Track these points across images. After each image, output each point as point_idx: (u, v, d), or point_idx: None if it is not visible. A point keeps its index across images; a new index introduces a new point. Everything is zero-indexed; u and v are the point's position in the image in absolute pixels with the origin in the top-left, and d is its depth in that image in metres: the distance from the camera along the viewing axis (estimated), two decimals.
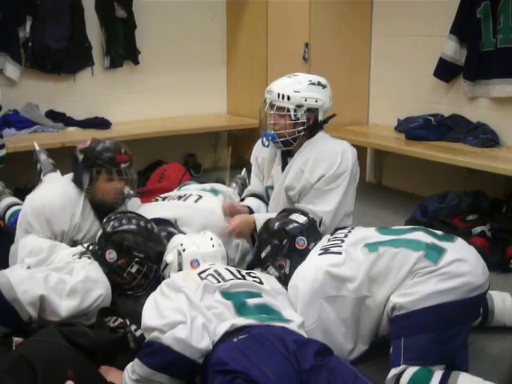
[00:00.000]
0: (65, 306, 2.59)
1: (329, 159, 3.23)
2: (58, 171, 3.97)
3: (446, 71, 4.74)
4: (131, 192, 3.38)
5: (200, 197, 3.55)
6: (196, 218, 3.34)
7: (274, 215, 3.11)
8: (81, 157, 3.28)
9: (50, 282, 2.61)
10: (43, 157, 4.10)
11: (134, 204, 3.51)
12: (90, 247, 2.99)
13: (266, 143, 3.36)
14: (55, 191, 3.30)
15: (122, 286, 2.92)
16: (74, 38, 5.15)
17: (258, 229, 3.12)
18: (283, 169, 3.40)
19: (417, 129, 4.76)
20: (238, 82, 6.05)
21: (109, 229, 2.95)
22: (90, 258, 2.90)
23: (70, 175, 3.39)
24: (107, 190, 3.26)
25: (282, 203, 3.36)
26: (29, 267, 2.84)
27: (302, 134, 3.28)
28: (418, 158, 4.52)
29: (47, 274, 2.67)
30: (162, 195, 3.76)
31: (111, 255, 2.89)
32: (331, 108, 3.35)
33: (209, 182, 4.08)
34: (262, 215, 3.28)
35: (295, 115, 3.23)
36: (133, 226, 2.95)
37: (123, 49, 5.47)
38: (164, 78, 5.75)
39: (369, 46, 5.38)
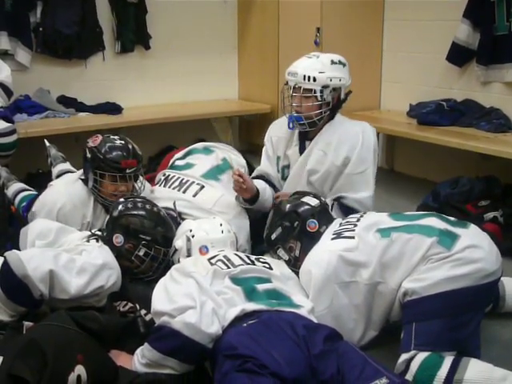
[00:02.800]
0: (74, 284, 2.60)
1: (351, 140, 3.27)
2: (68, 163, 4.03)
3: (458, 56, 4.70)
4: (138, 192, 3.35)
5: (202, 187, 3.48)
6: (191, 217, 3.28)
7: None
8: (89, 155, 3.28)
9: (61, 260, 2.63)
10: (53, 151, 4.14)
11: (146, 190, 3.48)
12: (98, 232, 3.00)
13: (292, 125, 3.35)
14: (64, 193, 3.29)
15: (132, 271, 2.94)
16: (84, 23, 5.14)
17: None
18: (301, 150, 3.41)
19: (429, 114, 4.73)
20: (249, 66, 6.02)
21: (115, 213, 2.97)
22: (97, 241, 2.92)
23: (81, 172, 3.40)
24: (112, 191, 3.25)
25: (301, 186, 3.36)
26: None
27: (327, 113, 3.30)
28: (430, 143, 4.49)
29: (58, 252, 2.69)
30: (166, 172, 3.69)
31: (118, 239, 2.91)
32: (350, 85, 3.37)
33: None
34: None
35: (321, 96, 3.24)
36: (139, 210, 2.98)
37: (134, 34, 5.45)
38: (175, 62, 5.72)
39: (381, 31, 5.34)
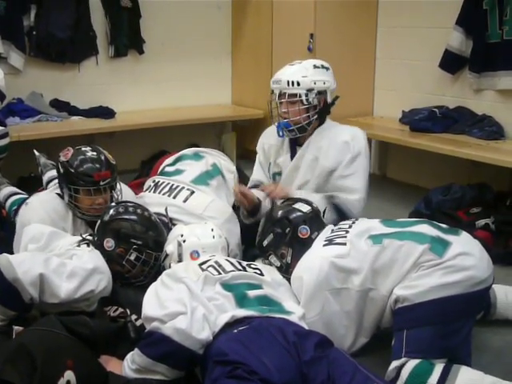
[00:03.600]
0: (64, 288, 2.59)
1: (341, 144, 3.28)
2: None
3: (451, 63, 4.72)
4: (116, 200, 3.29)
5: (192, 192, 3.45)
6: (182, 223, 3.26)
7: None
8: (61, 170, 3.23)
9: (51, 264, 2.61)
10: (43, 159, 4.13)
11: (128, 196, 3.42)
12: (89, 237, 2.99)
13: (281, 133, 3.35)
14: (40, 210, 3.22)
15: (123, 275, 2.93)
16: (78, 27, 5.15)
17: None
18: (292, 157, 3.42)
19: (422, 121, 4.75)
20: (242, 72, 6.03)
21: (106, 217, 2.96)
22: (88, 246, 2.91)
23: (57, 186, 3.35)
24: (88, 205, 3.18)
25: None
26: None
27: (315, 117, 3.31)
28: (423, 150, 4.51)
29: (48, 256, 2.68)
30: (155, 179, 3.65)
31: (109, 243, 2.90)
32: (336, 89, 3.37)
33: None
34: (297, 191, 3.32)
35: (307, 99, 3.24)
36: (130, 215, 2.98)
37: (128, 38, 5.46)
38: (168, 67, 5.73)
39: (374, 37, 5.36)
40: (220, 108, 6.01)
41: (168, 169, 3.76)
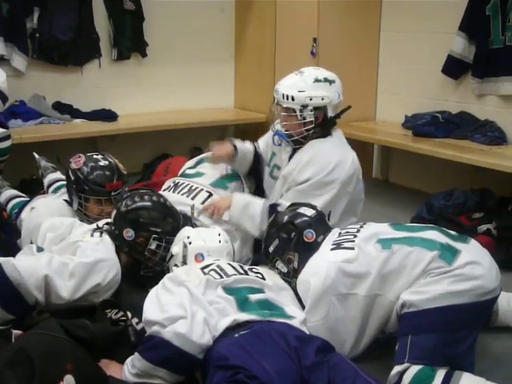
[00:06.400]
0: (65, 289, 2.57)
1: (319, 165, 3.21)
2: (58, 172, 4.01)
3: (454, 68, 4.72)
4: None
5: (210, 195, 3.49)
6: (198, 222, 3.31)
7: (251, 199, 3.28)
8: (72, 178, 3.23)
9: (53, 265, 2.59)
10: (43, 162, 4.14)
11: None
12: (105, 227, 2.98)
13: (279, 142, 3.37)
14: (49, 216, 3.21)
15: (146, 264, 2.93)
16: (81, 30, 5.14)
17: (232, 209, 3.22)
18: (290, 158, 3.41)
19: (424, 126, 4.75)
20: (245, 75, 6.03)
21: (123, 208, 2.95)
22: (101, 235, 2.88)
23: (64, 192, 3.37)
24: (97, 213, 3.20)
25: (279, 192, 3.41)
26: (40, 248, 2.82)
27: (311, 132, 3.27)
28: (425, 155, 4.51)
29: (51, 257, 2.65)
30: (176, 179, 3.70)
31: (129, 233, 2.89)
32: (342, 102, 3.32)
33: None
34: (240, 197, 3.34)
35: (301, 115, 3.22)
36: (146, 202, 2.97)
37: (131, 41, 5.46)
38: (171, 70, 5.72)
39: (377, 42, 5.35)
40: (222, 111, 6.00)
41: (189, 171, 3.80)
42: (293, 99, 3.20)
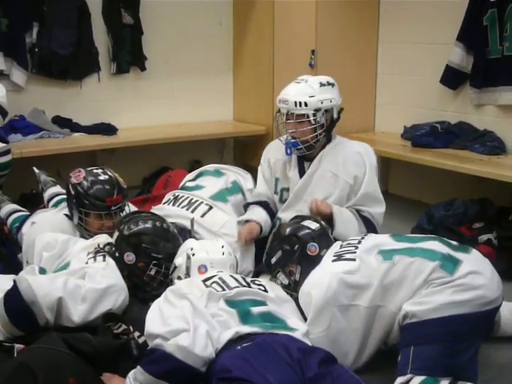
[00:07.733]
0: (77, 313, 2.57)
1: (356, 159, 3.35)
2: (58, 186, 4.03)
3: (452, 78, 4.72)
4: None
5: (210, 208, 3.50)
6: (198, 235, 3.31)
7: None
8: (72, 192, 3.23)
9: (68, 287, 2.59)
10: (43, 177, 4.16)
11: None
12: (106, 248, 2.97)
13: (289, 151, 3.37)
14: (50, 231, 3.20)
15: (144, 288, 2.93)
16: (80, 44, 5.15)
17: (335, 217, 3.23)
18: (300, 172, 3.43)
19: (423, 136, 4.74)
20: (244, 88, 6.03)
21: (125, 231, 2.94)
22: (104, 258, 2.87)
23: (65, 206, 3.36)
24: (97, 228, 3.20)
25: (300, 208, 3.39)
26: (42, 269, 2.80)
27: (322, 135, 3.33)
28: (425, 165, 4.50)
29: (66, 279, 2.64)
30: (176, 193, 3.70)
31: (130, 257, 2.90)
32: (340, 103, 3.40)
33: None
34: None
35: (315, 119, 3.26)
36: (149, 227, 2.97)
37: (130, 55, 5.47)
38: (170, 84, 5.74)
39: (375, 53, 5.36)
40: (222, 124, 6.00)
41: (189, 184, 3.82)
42: (306, 105, 3.24)
